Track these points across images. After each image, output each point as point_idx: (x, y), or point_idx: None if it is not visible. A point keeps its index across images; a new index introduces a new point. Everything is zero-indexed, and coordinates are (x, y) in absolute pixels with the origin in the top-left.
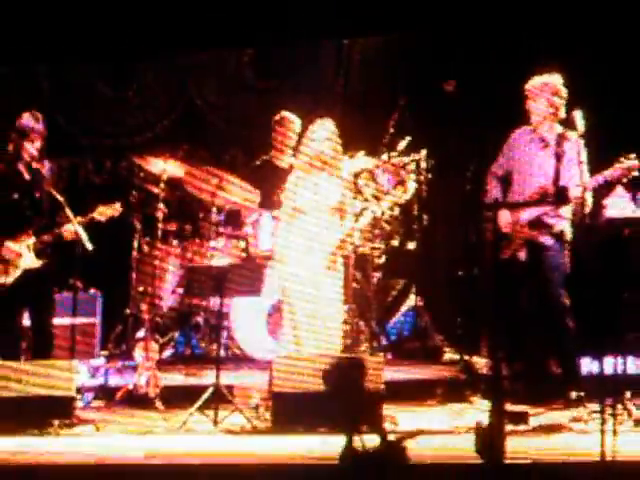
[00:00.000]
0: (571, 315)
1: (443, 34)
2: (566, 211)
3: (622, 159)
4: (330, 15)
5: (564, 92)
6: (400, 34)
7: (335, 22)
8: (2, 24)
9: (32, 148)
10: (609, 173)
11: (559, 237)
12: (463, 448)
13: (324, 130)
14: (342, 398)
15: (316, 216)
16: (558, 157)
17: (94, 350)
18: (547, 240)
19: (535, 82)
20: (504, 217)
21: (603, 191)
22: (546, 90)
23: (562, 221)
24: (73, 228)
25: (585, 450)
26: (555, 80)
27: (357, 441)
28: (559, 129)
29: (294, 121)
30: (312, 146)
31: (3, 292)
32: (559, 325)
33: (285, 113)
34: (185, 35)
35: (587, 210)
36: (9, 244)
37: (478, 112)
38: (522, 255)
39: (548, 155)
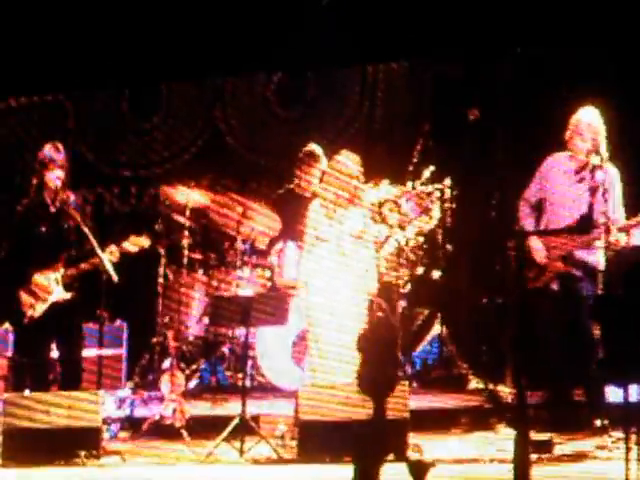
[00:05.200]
0: (600, 345)
1: (467, 61)
2: (598, 242)
3: None
4: (354, 41)
5: (604, 130)
6: (424, 61)
7: (359, 49)
8: (27, 55)
9: (56, 178)
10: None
11: (592, 269)
12: (489, 477)
13: (348, 161)
14: (375, 363)
15: (339, 244)
16: (593, 191)
17: (120, 381)
18: (579, 272)
19: (581, 120)
20: (537, 248)
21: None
22: (591, 130)
23: (595, 253)
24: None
25: (610, 478)
26: (597, 118)
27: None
28: (596, 160)
29: (321, 155)
30: (336, 176)
31: (32, 324)
32: (588, 356)
33: (313, 147)
34: (210, 62)
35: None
36: (38, 277)
37: (502, 140)
38: (554, 286)
39: (583, 188)
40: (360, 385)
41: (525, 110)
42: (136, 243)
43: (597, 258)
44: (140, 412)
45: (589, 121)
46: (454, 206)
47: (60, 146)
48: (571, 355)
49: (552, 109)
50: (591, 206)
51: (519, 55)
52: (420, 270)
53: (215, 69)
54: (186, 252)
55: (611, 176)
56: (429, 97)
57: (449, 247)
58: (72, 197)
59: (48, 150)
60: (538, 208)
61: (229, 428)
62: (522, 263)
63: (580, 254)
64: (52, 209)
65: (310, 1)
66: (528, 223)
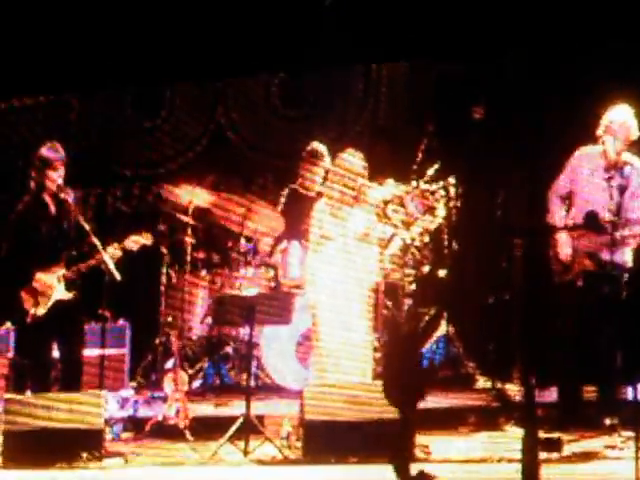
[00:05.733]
0: (617, 345)
1: (472, 59)
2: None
3: None
4: (358, 41)
5: (637, 129)
6: (428, 60)
7: (363, 48)
8: (30, 55)
9: (55, 178)
10: None
11: (619, 268)
12: (497, 477)
13: (353, 159)
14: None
15: (343, 243)
16: (622, 190)
17: (123, 381)
18: (605, 271)
19: (614, 120)
20: (564, 243)
21: None
22: (624, 129)
23: (623, 250)
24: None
25: (620, 478)
26: (631, 117)
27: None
28: (627, 157)
29: (325, 154)
30: (340, 174)
31: (33, 324)
32: (605, 355)
33: (317, 145)
34: (213, 62)
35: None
36: (40, 276)
37: (507, 138)
38: (579, 282)
39: (612, 186)
40: (387, 397)
41: (529, 108)
42: (138, 241)
43: (624, 257)
44: (143, 412)
45: (623, 120)
46: (459, 204)
47: (58, 146)
48: (586, 354)
49: (561, 106)
50: (620, 205)
51: (523, 52)
52: (426, 269)
53: (218, 70)
54: (189, 251)
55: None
56: (433, 95)
57: (455, 245)
58: (72, 195)
59: (47, 150)
60: (568, 200)
61: (233, 428)
62: (554, 261)
63: (607, 253)
64: (52, 209)
65: (313, 1)
66: (558, 216)
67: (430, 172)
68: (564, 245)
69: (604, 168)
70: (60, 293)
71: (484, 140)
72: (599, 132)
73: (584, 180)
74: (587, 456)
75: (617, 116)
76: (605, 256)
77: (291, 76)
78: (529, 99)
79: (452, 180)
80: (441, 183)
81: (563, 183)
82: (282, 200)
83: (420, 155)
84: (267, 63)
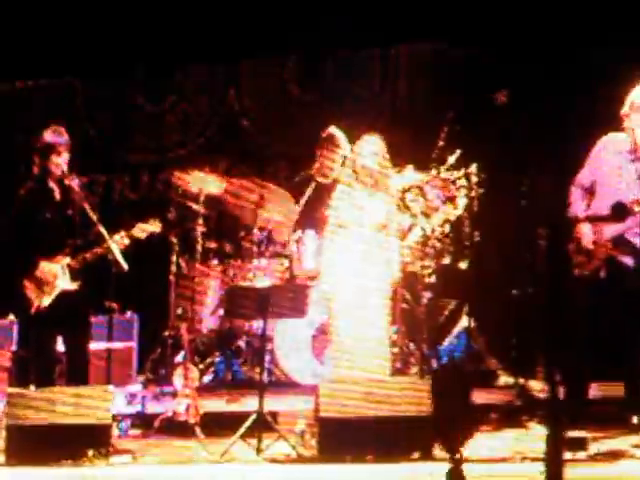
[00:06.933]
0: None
1: (495, 42)
2: None
3: None
4: (377, 22)
5: None
6: (449, 42)
7: (381, 29)
8: (37, 37)
9: (60, 164)
10: None
11: None
12: (519, 476)
13: (371, 146)
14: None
15: (361, 233)
16: None
17: (131, 376)
18: (629, 260)
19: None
20: (585, 232)
21: None
22: None
23: None
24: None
25: None
26: None
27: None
28: None
29: (343, 139)
30: (358, 162)
31: (36, 316)
32: (632, 350)
33: (333, 130)
34: (226, 43)
35: None
36: (44, 265)
37: (531, 124)
38: (602, 274)
39: (638, 168)
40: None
41: (555, 92)
42: (145, 229)
43: None
44: (152, 408)
45: None
46: (482, 193)
47: (62, 130)
48: (610, 350)
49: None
50: None
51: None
52: (446, 260)
53: (231, 51)
54: (200, 241)
55: None
56: (455, 79)
57: (476, 236)
58: (76, 181)
59: (50, 134)
60: (591, 192)
61: (246, 425)
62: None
63: (632, 237)
64: (57, 195)
65: None
66: (579, 208)
67: (451, 159)
68: (586, 235)
69: (629, 151)
70: (65, 283)
71: (508, 126)
72: (624, 111)
73: (608, 167)
74: (613, 456)
75: None
76: (630, 241)
77: (307, 58)
78: (556, 82)
79: (474, 168)
80: (463, 171)
81: (585, 174)
82: (303, 192)
83: (441, 141)
84: (282, 44)
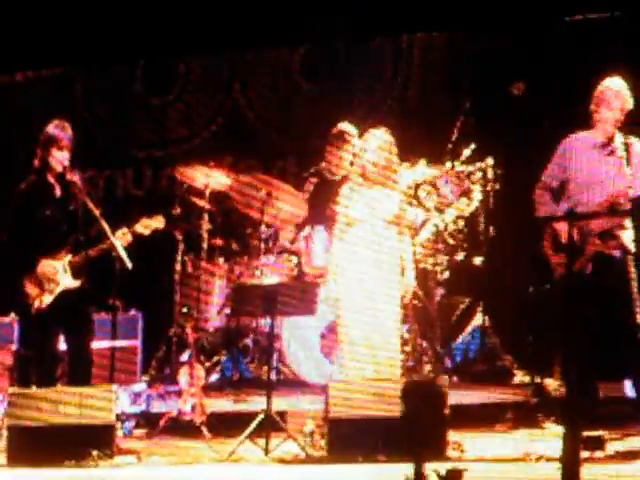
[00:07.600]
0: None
1: (510, 32)
2: (628, 221)
3: None
4: (389, 9)
5: (632, 102)
6: (464, 31)
7: (393, 17)
8: (36, 28)
9: (62, 159)
10: None
11: (625, 249)
12: (535, 476)
13: (378, 140)
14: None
15: (371, 229)
16: (629, 164)
17: (135, 375)
18: (615, 252)
19: (608, 87)
20: (562, 229)
21: None
22: (619, 98)
23: (626, 232)
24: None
25: None
26: (625, 87)
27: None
28: (621, 136)
29: (354, 135)
30: (366, 157)
31: (38, 314)
32: (632, 344)
33: (344, 126)
34: (231, 33)
35: None
36: (46, 262)
37: (548, 116)
38: (588, 268)
39: (615, 162)
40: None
41: (572, 83)
42: (149, 224)
43: (629, 237)
44: (157, 408)
45: (617, 89)
46: (497, 187)
47: (67, 125)
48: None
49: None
50: (631, 179)
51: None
52: (460, 256)
53: (236, 41)
54: (206, 238)
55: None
56: (470, 70)
57: (492, 231)
58: (78, 176)
59: (54, 128)
60: (561, 191)
61: (253, 425)
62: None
63: (617, 231)
64: (58, 191)
65: None
66: (551, 208)
67: (466, 153)
68: (563, 233)
69: (602, 144)
70: (67, 281)
71: (524, 118)
72: (592, 106)
73: (580, 163)
74: (631, 455)
75: (611, 84)
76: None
77: (314, 49)
78: (573, 74)
79: (490, 161)
80: (478, 165)
81: (553, 174)
82: (308, 185)
83: (455, 134)
84: (289, 34)
